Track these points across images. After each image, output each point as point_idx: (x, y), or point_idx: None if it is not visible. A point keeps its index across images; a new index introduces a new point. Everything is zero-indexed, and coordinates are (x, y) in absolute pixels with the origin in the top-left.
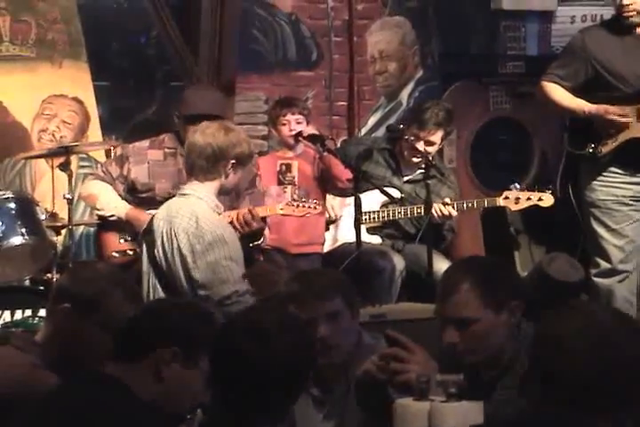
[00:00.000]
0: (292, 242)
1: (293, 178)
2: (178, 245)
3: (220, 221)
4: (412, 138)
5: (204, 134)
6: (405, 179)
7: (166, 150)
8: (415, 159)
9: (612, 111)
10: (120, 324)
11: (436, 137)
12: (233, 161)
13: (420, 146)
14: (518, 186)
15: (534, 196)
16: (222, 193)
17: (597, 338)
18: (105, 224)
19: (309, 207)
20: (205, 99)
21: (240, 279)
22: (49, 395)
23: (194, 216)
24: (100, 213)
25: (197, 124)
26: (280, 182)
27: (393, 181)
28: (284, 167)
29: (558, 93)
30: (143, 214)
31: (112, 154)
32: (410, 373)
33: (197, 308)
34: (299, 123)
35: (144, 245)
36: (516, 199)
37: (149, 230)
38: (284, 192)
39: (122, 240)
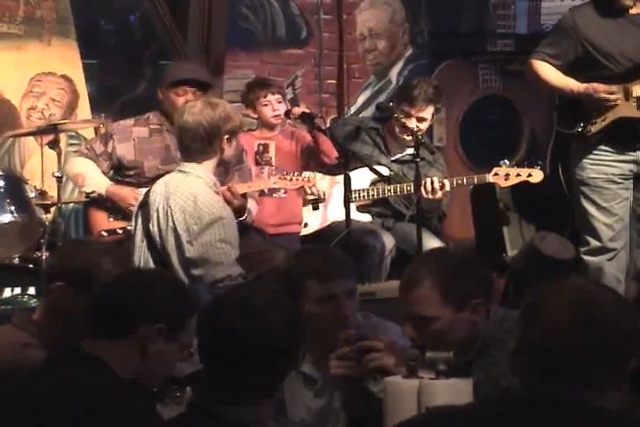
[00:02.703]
0: (268, 222)
1: (270, 159)
2: (173, 222)
3: (218, 201)
4: (403, 116)
5: (192, 114)
6: (393, 158)
7: (152, 127)
8: (407, 137)
9: (602, 90)
10: None
11: (427, 113)
12: (227, 135)
13: (412, 123)
14: (507, 162)
15: (523, 172)
16: (219, 165)
17: (582, 308)
18: (93, 203)
19: (303, 180)
20: (188, 67)
21: (234, 263)
22: (25, 378)
23: (192, 196)
24: (82, 189)
25: (181, 90)
26: (257, 163)
27: (380, 161)
28: (261, 148)
29: (547, 72)
30: (124, 189)
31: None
32: (384, 358)
33: (172, 279)
34: (279, 102)
35: (139, 219)
36: (505, 176)
37: (145, 204)
38: (262, 173)
39: (111, 219)
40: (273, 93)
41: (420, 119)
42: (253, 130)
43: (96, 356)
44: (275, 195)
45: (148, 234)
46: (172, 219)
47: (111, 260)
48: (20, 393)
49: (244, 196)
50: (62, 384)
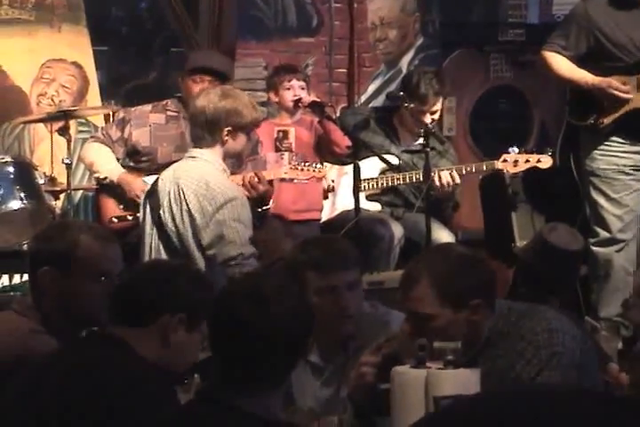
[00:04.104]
0: (290, 209)
1: (290, 144)
2: (187, 206)
3: (230, 182)
4: (417, 113)
5: (201, 100)
6: (403, 148)
7: (168, 113)
8: (417, 129)
9: (615, 86)
10: (99, 267)
11: (438, 105)
12: (229, 128)
13: (427, 119)
14: (516, 149)
15: (532, 158)
16: (228, 157)
17: None
18: (104, 189)
19: (314, 171)
20: (208, 55)
21: (247, 242)
22: (52, 354)
23: (203, 179)
24: (96, 175)
25: (198, 78)
26: (277, 149)
27: (391, 150)
28: (281, 134)
29: (560, 64)
30: (135, 179)
31: (112, 118)
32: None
33: (195, 271)
34: (302, 89)
35: (147, 207)
36: (514, 162)
37: (153, 192)
38: (282, 159)
39: (122, 206)
40: (298, 79)
41: (433, 112)
42: (274, 117)
43: (119, 338)
44: (296, 180)
45: (158, 221)
46: (186, 202)
47: (91, 236)
48: (40, 377)
49: (271, 183)
50: (84, 365)
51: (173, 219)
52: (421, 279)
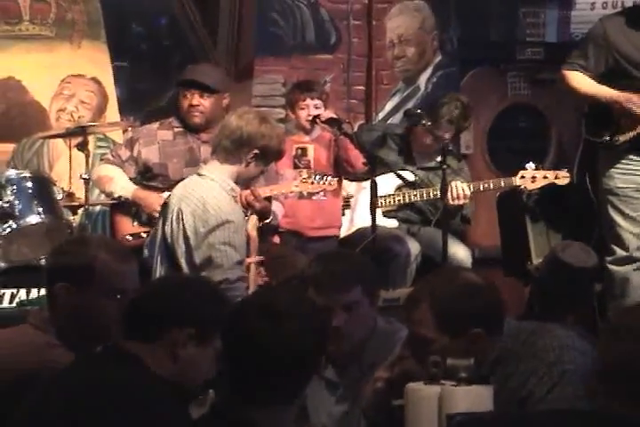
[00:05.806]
0: (307, 225)
1: (309, 162)
2: (183, 226)
3: (228, 205)
4: (425, 130)
5: (240, 118)
6: (418, 165)
7: (175, 130)
8: (430, 143)
9: (634, 101)
10: (116, 285)
11: (448, 134)
12: (256, 151)
13: (429, 140)
14: (533, 165)
15: (550, 174)
16: (238, 182)
17: None
18: (118, 207)
19: (324, 184)
20: (198, 69)
21: (234, 266)
22: (66, 369)
23: (202, 199)
24: (107, 192)
25: (188, 93)
26: (295, 166)
27: (406, 168)
28: (299, 151)
29: (580, 80)
30: (150, 195)
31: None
32: None
33: (208, 286)
34: (317, 108)
35: (160, 221)
36: (532, 178)
37: (166, 206)
38: (300, 176)
39: (135, 223)
40: (312, 98)
41: (439, 138)
42: (293, 134)
43: (133, 353)
44: (314, 197)
45: (163, 235)
46: (183, 222)
47: (109, 253)
48: (53, 391)
49: (268, 199)
50: (94, 381)
51: (172, 236)
52: (422, 302)
